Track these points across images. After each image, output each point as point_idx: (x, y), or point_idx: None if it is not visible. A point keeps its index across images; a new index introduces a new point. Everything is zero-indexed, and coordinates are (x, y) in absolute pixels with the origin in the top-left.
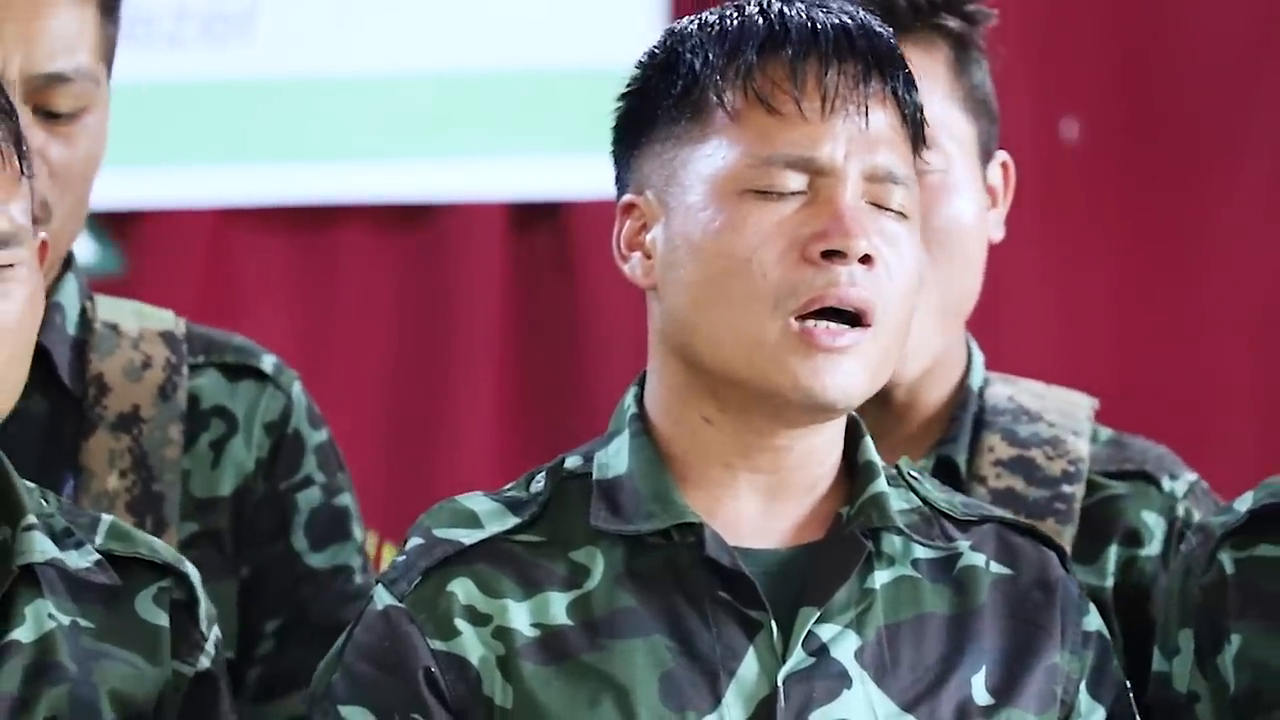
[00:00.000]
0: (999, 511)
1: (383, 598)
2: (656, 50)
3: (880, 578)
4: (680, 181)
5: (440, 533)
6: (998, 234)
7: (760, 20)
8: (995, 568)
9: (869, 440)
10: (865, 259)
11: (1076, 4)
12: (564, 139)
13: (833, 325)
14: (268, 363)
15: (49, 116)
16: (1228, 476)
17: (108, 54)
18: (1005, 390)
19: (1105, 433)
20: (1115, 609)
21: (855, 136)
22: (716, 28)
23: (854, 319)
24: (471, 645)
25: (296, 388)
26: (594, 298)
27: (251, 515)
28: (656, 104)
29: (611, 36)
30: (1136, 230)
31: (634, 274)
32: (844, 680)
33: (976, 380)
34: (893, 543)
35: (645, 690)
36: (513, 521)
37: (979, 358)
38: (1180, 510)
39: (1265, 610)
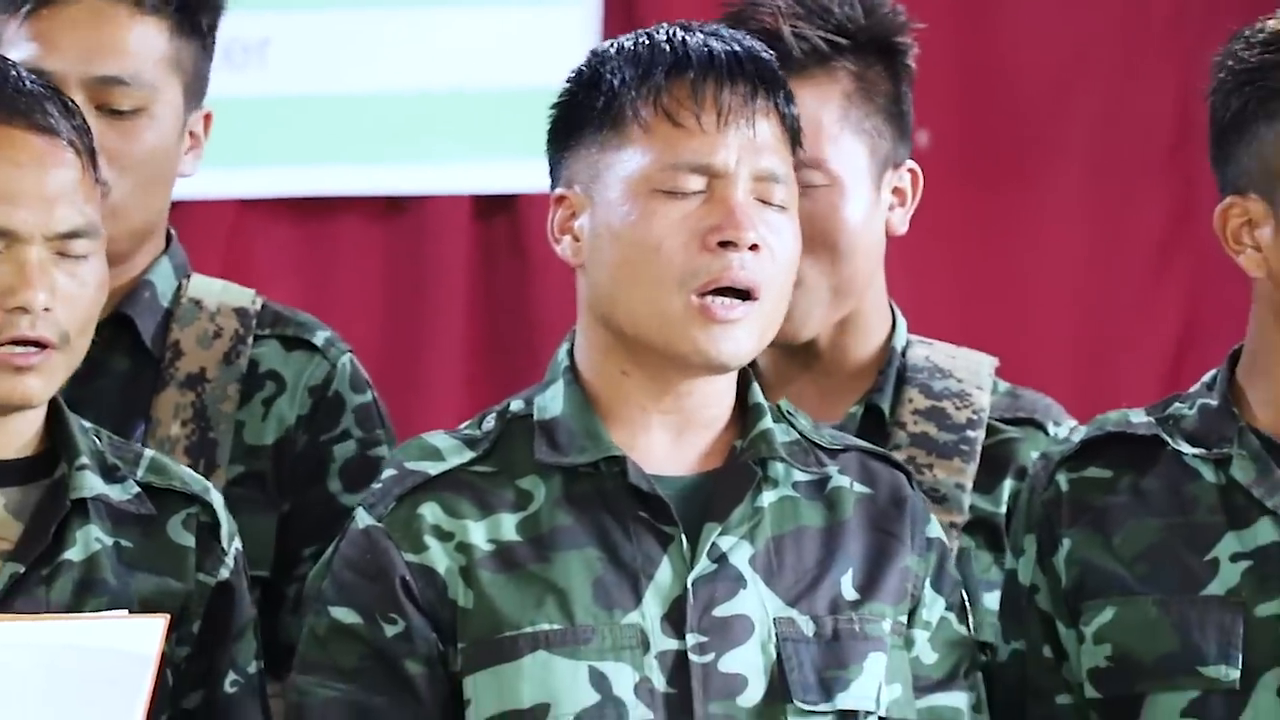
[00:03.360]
0: (859, 441)
1: (364, 518)
2: (583, 70)
3: (768, 498)
4: (603, 180)
5: (410, 465)
6: (902, 228)
7: (667, 48)
8: (858, 488)
9: (757, 385)
10: (753, 247)
11: (925, 33)
12: (518, 144)
13: (727, 301)
14: (320, 337)
15: (111, 113)
16: None
17: (180, 66)
18: (923, 351)
19: (1003, 386)
20: (1006, 529)
21: (745, 144)
22: (631, 52)
23: (744, 295)
24: (438, 557)
25: (345, 359)
26: (543, 275)
27: (293, 462)
28: (582, 115)
29: (554, 60)
30: (973, 221)
31: (565, 254)
32: (740, 582)
33: (900, 342)
34: (777, 469)
35: (581, 592)
36: (469, 455)
37: (902, 324)
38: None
39: (1091, 519)
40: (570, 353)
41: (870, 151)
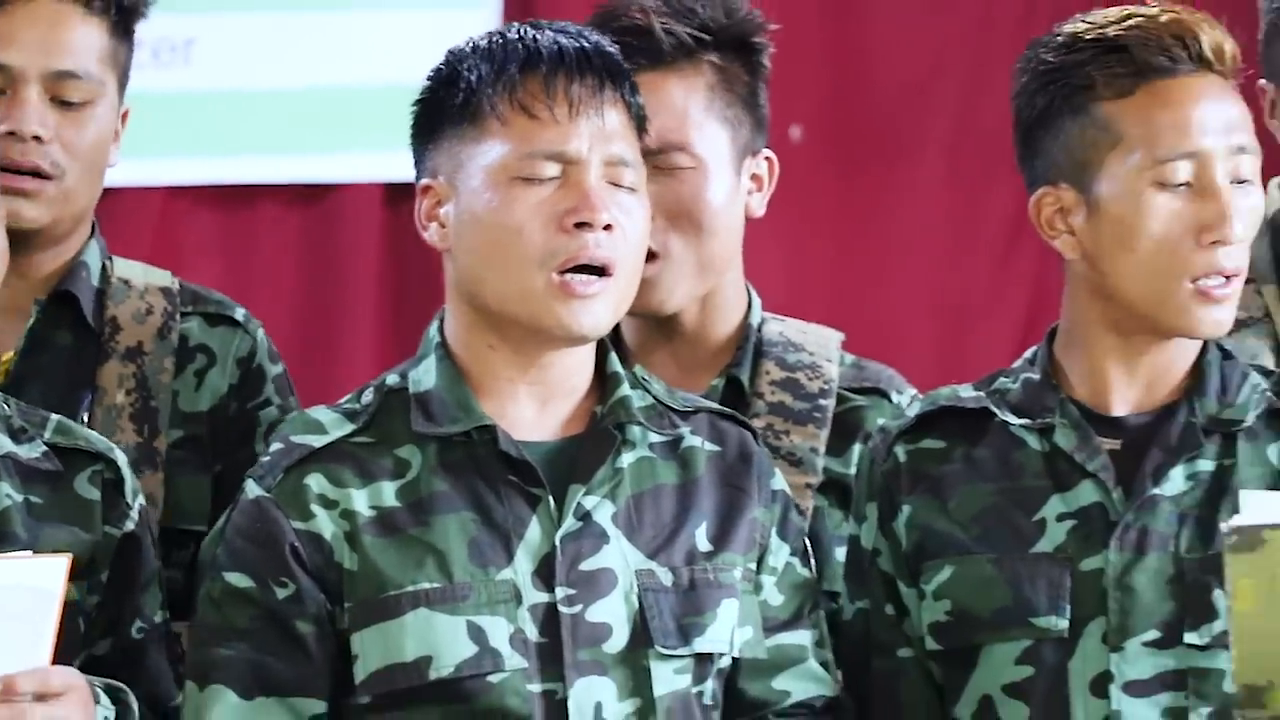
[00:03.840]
0: (708, 403)
1: (253, 489)
2: (442, 68)
3: (627, 459)
4: (465, 170)
5: (296, 438)
6: (760, 211)
7: (520, 45)
8: (708, 446)
9: (614, 355)
10: (607, 227)
11: (799, 36)
12: None
13: (584, 277)
14: (239, 313)
15: (63, 105)
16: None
17: (116, 64)
18: (777, 327)
19: (849, 358)
20: (854, 489)
21: (595, 133)
22: (487, 51)
23: (600, 271)
24: (324, 524)
25: (260, 333)
26: None
27: (225, 426)
28: (443, 110)
29: None
30: (843, 208)
31: (432, 240)
32: (604, 538)
33: (756, 319)
34: (634, 432)
35: (457, 553)
36: (350, 428)
37: (757, 302)
38: None
39: (928, 487)
40: (440, 330)
41: (731, 138)
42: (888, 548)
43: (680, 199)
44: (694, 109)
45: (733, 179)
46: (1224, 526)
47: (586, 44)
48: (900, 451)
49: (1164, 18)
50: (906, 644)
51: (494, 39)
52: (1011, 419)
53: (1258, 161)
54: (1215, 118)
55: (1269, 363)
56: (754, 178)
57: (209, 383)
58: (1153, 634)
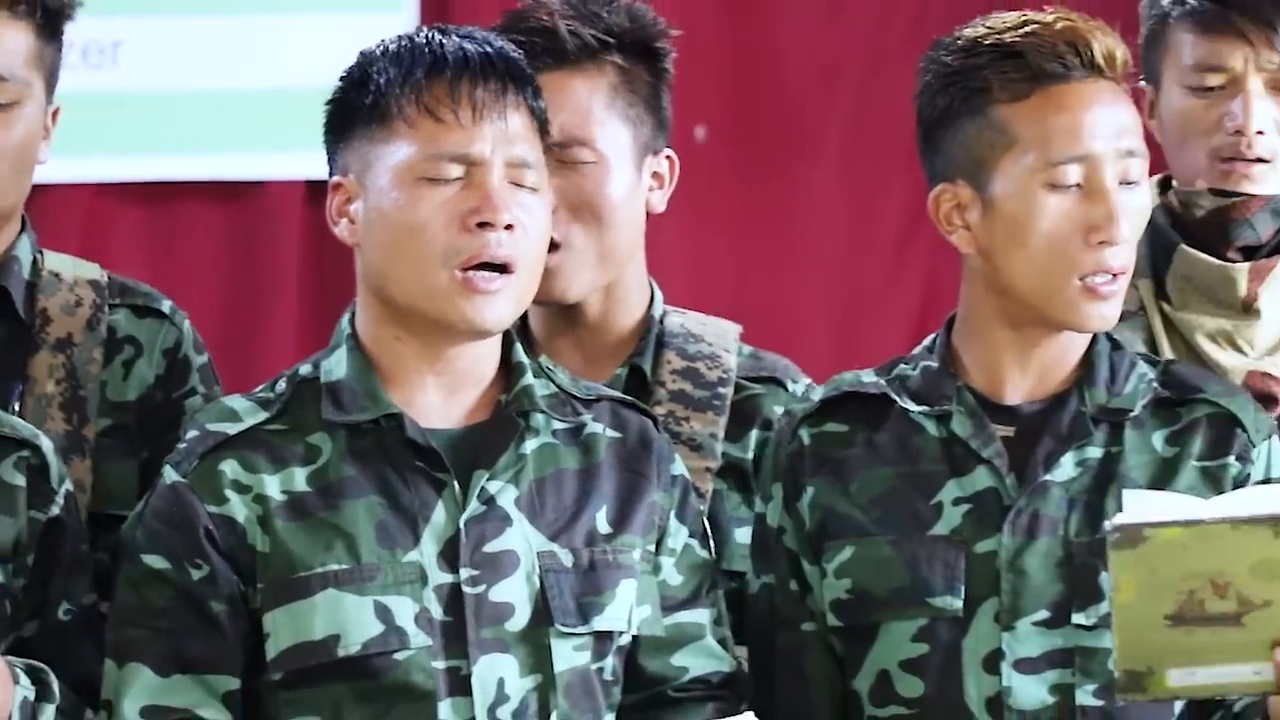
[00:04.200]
0: (611, 391)
1: (170, 475)
2: (353, 70)
3: (530, 445)
4: (374, 169)
5: (211, 426)
6: (660, 207)
7: (426, 50)
8: (610, 433)
9: (519, 346)
10: (508, 226)
11: (702, 39)
12: None
13: (487, 274)
14: (166, 305)
15: None
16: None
17: (43, 66)
18: (678, 319)
19: (747, 349)
20: (755, 474)
21: (498, 135)
22: (395, 55)
23: (502, 268)
24: (238, 508)
25: (186, 324)
26: None
27: (152, 415)
28: (354, 111)
29: None
30: (745, 207)
31: (343, 235)
32: (507, 521)
33: (658, 311)
34: (538, 419)
35: (365, 535)
36: (263, 415)
37: (660, 295)
38: None
39: (831, 469)
40: (351, 321)
41: (633, 136)
42: (792, 526)
43: (582, 192)
44: (597, 106)
45: (634, 175)
46: (1107, 525)
47: (491, 49)
48: (805, 434)
49: (1059, 25)
50: (810, 619)
51: (402, 43)
52: (911, 406)
53: (1145, 163)
54: (1106, 122)
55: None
56: (655, 175)
57: (136, 373)
58: (1042, 614)
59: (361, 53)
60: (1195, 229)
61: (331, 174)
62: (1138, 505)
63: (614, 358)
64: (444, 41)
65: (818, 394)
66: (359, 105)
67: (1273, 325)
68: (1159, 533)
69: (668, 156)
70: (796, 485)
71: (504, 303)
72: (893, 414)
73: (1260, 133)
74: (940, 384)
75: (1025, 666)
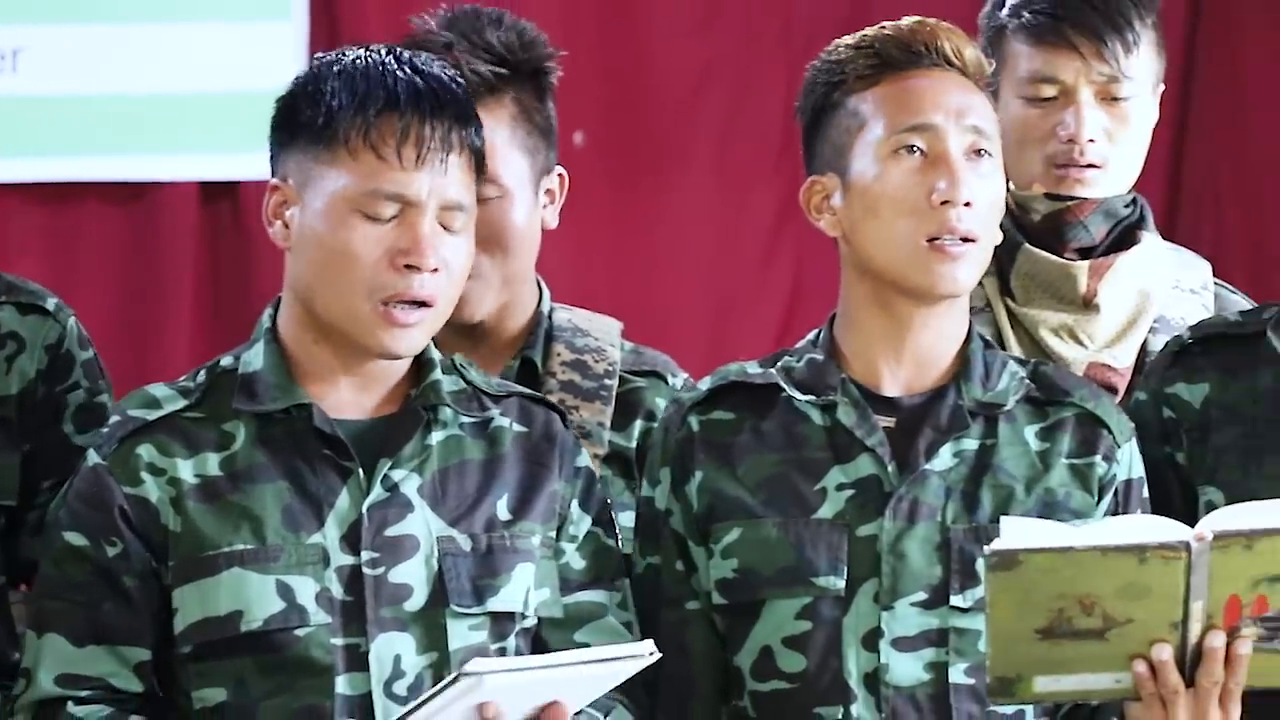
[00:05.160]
0: (522, 389)
1: (92, 457)
2: (308, 82)
3: (436, 437)
4: (313, 187)
5: (132, 412)
6: (554, 223)
7: (381, 86)
8: (516, 427)
9: (431, 343)
10: (434, 269)
11: (578, 52)
12: (238, 138)
13: (407, 308)
14: (50, 302)
15: None
16: (688, 370)
17: None
18: (565, 315)
19: (628, 345)
20: (635, 461)
21: (437, 180)
22: (350, 79)
23: (422, 304)
24: (151, 490)
25: (71, 321)
26: (260, 251)
27: (33, 409)
28: (301, 122)
29: (268, 68)
30: (623, 210)
31: (275, 237)
32: (409, 507)
33: (546, 307)
34: (445, 412)
35: (272, 518)
36: (182, 403)
37: (548, 293)
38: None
39: (719, 454)
40: (274, 316)
41: (531, 164)
42: (680, 509)
43: (489, 225)
44: (499, 142)
45: (533, 199)
46: (985, 549)
47: (442, 91)
48: (693, 421)
49: (911, 24)
50: (694, 597)
51: (359, 67)
52: (797, 395)
53: (996, 145)
54: (949, 99)
55: None
56: (548, 193)
57: (18, 367)
58: (920, 595)
59: (321, 60)
60: (1033, 231)
61: (273, 172)
62: (1013, 532)
63: (507, 350)
64: (399, 76)
65: (705, 383)
66: (307, 119)
67: (1112, 319)
68: (1033, 558)
69: (559, 174)
70: (685, 470)
71: (419, 333)
72: (779, 403)
73: (1091, 140)
74: (825, 375)
75: (902, 644)
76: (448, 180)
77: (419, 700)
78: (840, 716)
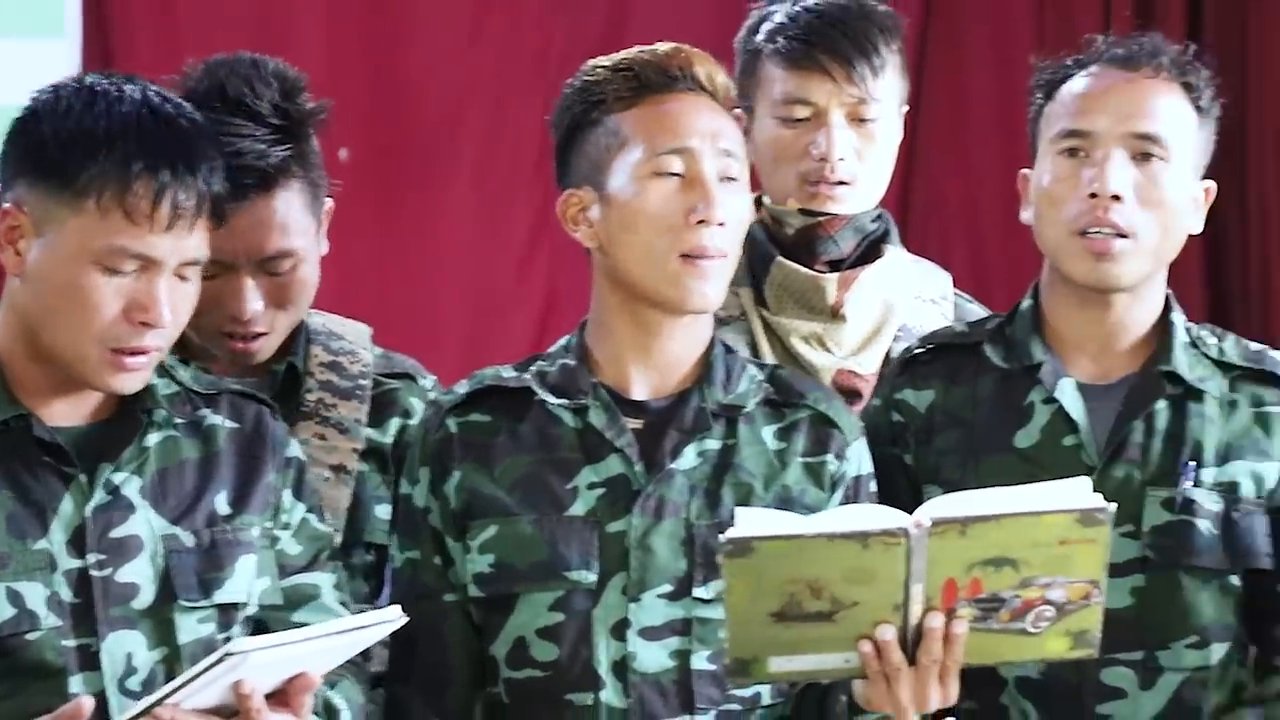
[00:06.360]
0: (232, 385)
1: None
2: (56, 118)
3: (153, 439)
4: (51, 229)
5: None
6: (325, 248)
7: (136, 144)
8: (229, 423)
9: None
10: (164, 325)
11: (345, 68)
12: None
13: (135, 357)
14: None
15: None
16: (449, 372)
17: None
18: (320, 319)
19: (378, 350)
20: (391, 456)
21: (181, 241)
22: (107, 132)
23: (147, 350)
24: None
25: None
26: None
27: None
28: (45, 156)
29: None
30: (387, 221)
31: (5, 260)
32: (131, 509)
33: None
34: (160, 414)
35: None
36: None
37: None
38: (430, 396)
39: (476, 455)
40: None
41: (316, 221)
42: (438, 506)
43: (284, 289)
44: (294, 217)
45: (317, 246)
46: (721, 537)
47: (197, 149)
48: (452, 423)
49: (666, 50)
50: (451, 590)
51: (115, 117)
52: (550, 399)
53: (744, 168)
54: (704, 125)
55: (746, 355)
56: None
57: None
58: (666, 587)
59: (66, 94)
60: (786, 244)
61: (4, 192)
62: (747, 521)
63: (273, 358)
64: (156, 134)
65: (463, 387)
66: (53, 160)
67: (857, 328)
68: (765, 545)
69: (328, 209)
70: (444, 469)
71: (146, 373)
72: (533, 406)
73: (842, 159)
74: (577, 379)
75: (649, 634)
76: (190, 239)
77: (180, 680)
78: (590, 703)
